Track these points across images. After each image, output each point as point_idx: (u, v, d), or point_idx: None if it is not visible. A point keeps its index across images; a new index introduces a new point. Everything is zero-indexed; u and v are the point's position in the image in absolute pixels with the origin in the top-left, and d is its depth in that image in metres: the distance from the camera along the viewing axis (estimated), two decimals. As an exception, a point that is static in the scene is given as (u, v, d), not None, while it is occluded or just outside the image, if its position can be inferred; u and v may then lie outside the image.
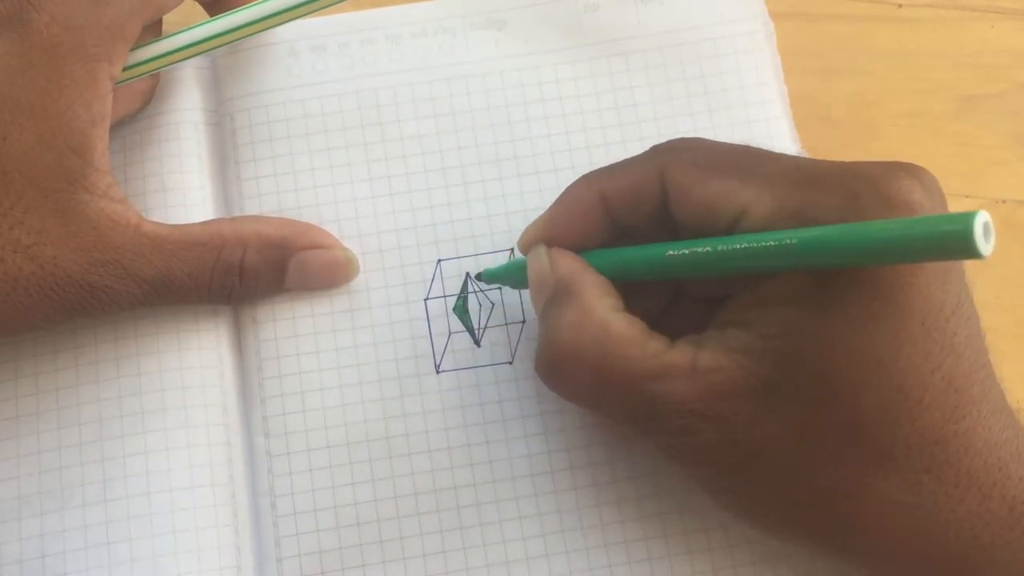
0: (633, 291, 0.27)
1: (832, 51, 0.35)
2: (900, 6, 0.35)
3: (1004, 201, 0.33)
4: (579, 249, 0.27)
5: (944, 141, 0.34)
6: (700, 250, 0.23)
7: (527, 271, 0.27)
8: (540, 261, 0.26)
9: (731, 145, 0.25)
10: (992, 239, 0.18)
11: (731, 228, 0.23)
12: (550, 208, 0.27)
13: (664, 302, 0.28)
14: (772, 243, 0.22)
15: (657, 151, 0.26)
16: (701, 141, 0.26)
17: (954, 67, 0.34)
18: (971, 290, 0.23)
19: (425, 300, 0.31)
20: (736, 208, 0.23)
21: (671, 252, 0.24)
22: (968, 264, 0.23)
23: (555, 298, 0.25)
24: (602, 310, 0.24)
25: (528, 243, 0.27)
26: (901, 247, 0.19)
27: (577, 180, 0.27)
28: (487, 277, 0.30)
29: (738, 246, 0.22)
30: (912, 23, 0.35)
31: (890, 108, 0.34)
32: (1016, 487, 0.22)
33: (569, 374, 0.25)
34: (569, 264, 0.26)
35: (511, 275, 0.29)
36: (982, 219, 0.18)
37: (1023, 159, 0.33)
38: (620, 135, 0.32)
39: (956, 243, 0.18)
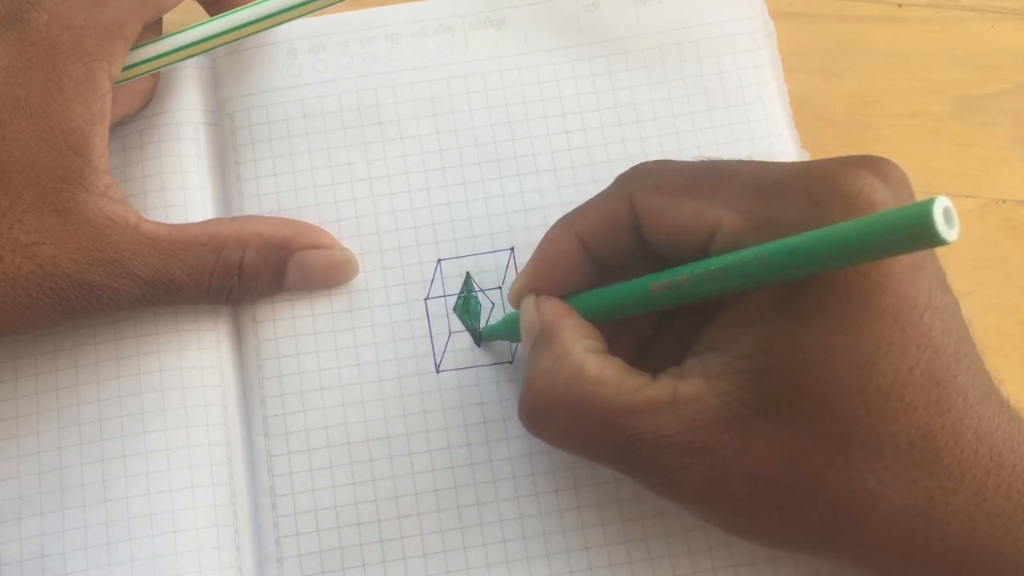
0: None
1: (832, 51, 0.35)
2: (900, 6, 0.35)
3: (1004, 201, 0.33)
4: (566, 294, 0.27)
5: (944, 141, 0.34)
6: (680, 277, 0.23)
7: (520, 323, 0.27)
8: (529, 312, 0.26)
9: (695, 163, 0.25)
10: (955, 225, 0.18)
11: (706, 248, 0.23)
12: (532, 257, 0.27)
13: (655, 321, 0.27)
14: (746, 259, 0.22)
15: (623, 180, 0.26)
16: (665, 164, 0.26)
17: (954, 67, 0.34)
18: (946, 278, 0.23)
19: (425, 300, 0.31)
20: (707, 227, 0.23)
21: (654, 284, 0.24)
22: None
23: (535, 345, 0.25)
24: (578, 353, 0.24)
25: (517, 295, 0.27)
26: (868, 244, 0.19)
27: (552, 226, 0.27)
28: (487, 335, 0.30)
29: (715, 267, 0.22)
30: (912, 23, 0.35)
31: (890, 108, 0.34)
32: (1011, 475, 0.22)
33: (549, 420, 0.25)
34: (551, 310, 0.26)
35: (507, 330, 0.29)
36: (941, 205, 0.18)
37: (1023, 159, 0.33)
38: (619, 134, 0.32)
39: (918, 231, 0.18)
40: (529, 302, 0.27)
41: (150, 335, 0.30)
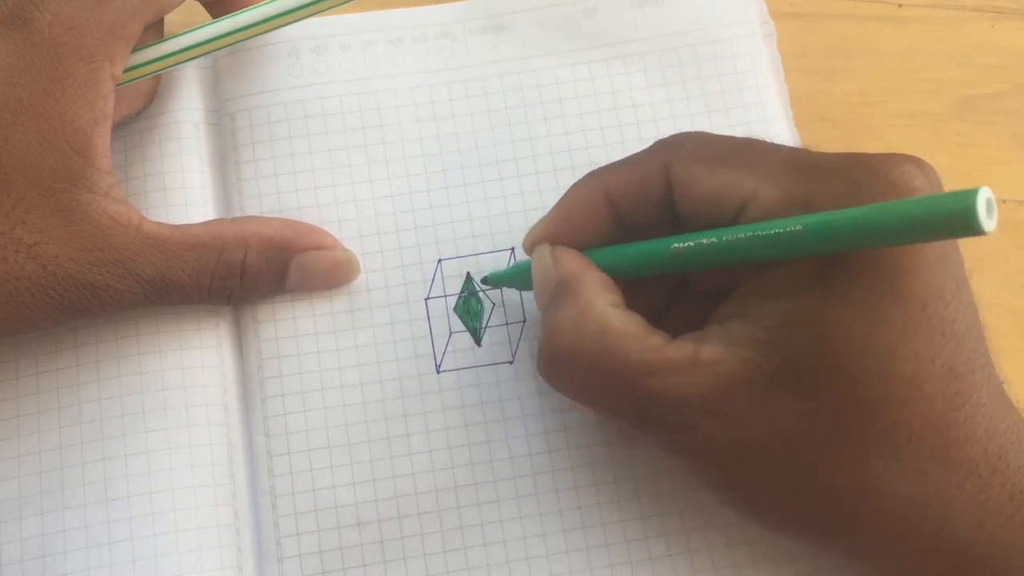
0: (637, 286, 0.27)
1: (832, 51, 0.35)
2: (900, 6, 0.35)
3: (1004, 201, 0.33)
4: (584, 247, 0.27)
5: (944, 141, 0.34)
6: (705, 241, 0.23)
7: (532, 271, 0.27)
8: (544, 260, 0.26)
9: (734, 137, 0.25)
10: (995, 215, 0.18)
11: (736, 218, 0.23)
12: (555, 206, 0.27)
13: (667, 297, 0.28)
14: (778, 231, 0.22)
15: (661, 145, 0.26)
16: (705, 134, 0.26)
17: (954, 67, 0.34)
18: (969, 279, 0.23)
19: (426, 300, 0.31)
20: (741, 198, 0.23)
21: (677, 245, 0.24)
22: (969, 263, 0.23)
23: (556, 296, 0.25)
24: (601, 306, 0.24)
25: (533, 242, 0.27)
26: (907, 226, 0.19)
27: (582, 178, 0.27)
28: (492, 281, 0.30)
29: (743, 235, 0.22)
30: (912, 23, 0.35)
31: (890, 108, 0.34)
32: (1016, 475, 0.22)
33: (569, 371, 0.25)
34: (571, 262, 0.26)
35: (516, 277, 0.29)
36: (984, 195, 0.18)
37: (1023, 159, 0.33)
38: (619, 136, 0.32)
39: (959, 219, 0.18)
40: (544, 250, 0.27)
41: (151, 334, 0.30)
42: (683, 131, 0.27)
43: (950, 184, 0.33)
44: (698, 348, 0.23)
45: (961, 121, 0.34)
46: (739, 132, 0.32)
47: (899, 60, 0.34)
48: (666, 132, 0.32)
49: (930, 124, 0.34)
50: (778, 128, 0.32)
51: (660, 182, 0.25)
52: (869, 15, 0.35)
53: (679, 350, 0.23)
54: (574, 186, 0.27)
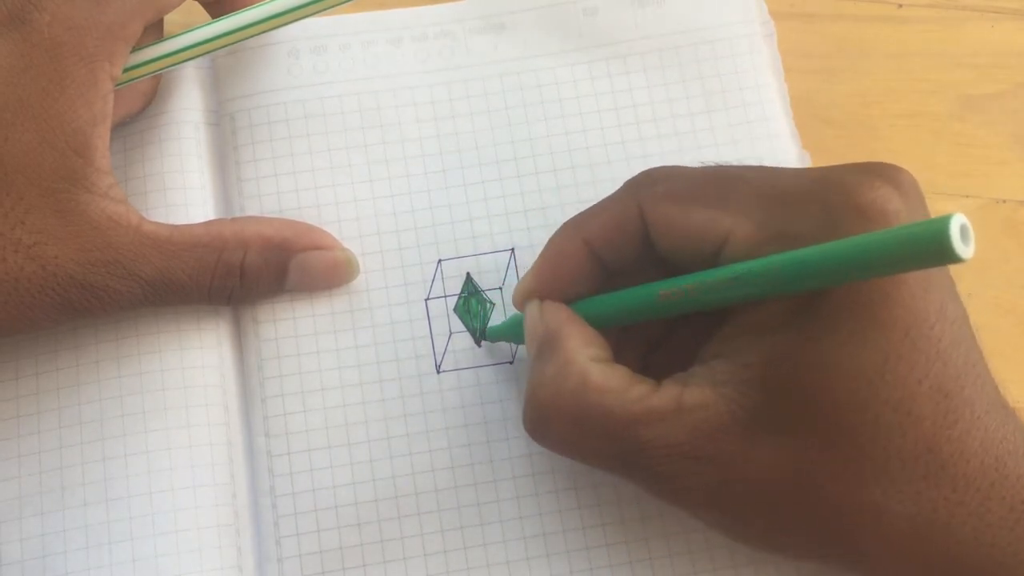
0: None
1: (832, 51, 0.35)
2: (900, 6, 0.35)
3: (1004, 201, 0.33)
4: (571, 298, 0.26)
5: (944, 141, 0.34)
6: (690, 285, 0.23)
7: (524, 327, 0.27)
8: (533, 316, 0.26)
9: (704, 169, 0.25)
10: (971, 241, 0.18)
11: (716, 255, 0.23)
12: (537, 260, 0.27)
13: (662, 329, 0.27)
14: (757, 270, 0.22)
15: (632, 186, 0.26)
16: (675, 170, 0.26)
17: (954, 67, 0.34)
18: (956, 287, 0.23)
19: (426, 300, 0.31)
20: (719, 236, 0.23)
21: (663, 291, 0.24)
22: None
23: (540, 352, 0.25)
24: (582, 362, 0.24)
25: (521, 297, 0.27)
26: (882, 260, 0.19)
27: (559, 229, 0.27)
28: (492, 335, 0.30)
29: (725, 276, 0.22)
30: (912, 23, 0.35)
31: (890, 108, 0.34)
32: (1014, 486, 0.22)
33: (552, 428, 0.25)
34: (554, 316, 0.26)
35: (511, 331, 0.29)
36: (958, 222, 0.18)
37: (1023, 159, 0.33)
38: (619, 135, 0.32)
39: (934, 249, 0.18)
40: (533, 307, 0.26)
41: (151, 334, 0.30)
42: (679, 136, 0.26)
43: (950, 184, 0.33)
44: (682, 392, 0.23)
45: (961, 121, 0.34)
46: (739, 131, 0.32)
47: (899, 60, 0.34)
48: (666, 131, 0.32)
49: (930, 124, 0.34)
50: (778, 128, 0.32)
51: (636, 224, 0.25)
52: (869, 15, 0.35)
53: (662, 398, 0.23)
54: (553, 238, 0.27)
